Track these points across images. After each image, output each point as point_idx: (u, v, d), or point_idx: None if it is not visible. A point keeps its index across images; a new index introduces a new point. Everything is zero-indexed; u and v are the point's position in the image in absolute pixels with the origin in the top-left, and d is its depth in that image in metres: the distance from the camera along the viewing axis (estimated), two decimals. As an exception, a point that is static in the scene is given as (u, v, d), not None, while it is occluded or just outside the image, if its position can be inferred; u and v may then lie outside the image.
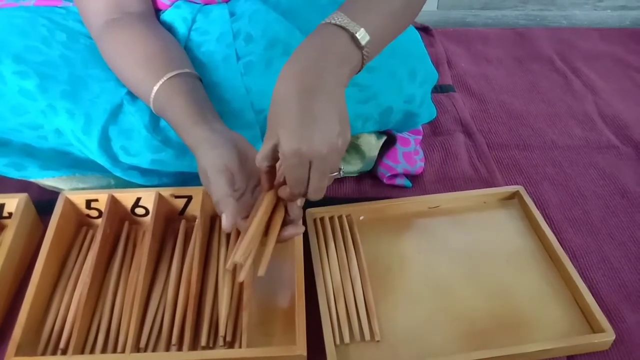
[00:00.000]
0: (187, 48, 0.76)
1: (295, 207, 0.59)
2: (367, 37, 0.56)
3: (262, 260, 0.57)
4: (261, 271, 0.57)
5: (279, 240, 0.59)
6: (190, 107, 0.64)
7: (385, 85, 0.77)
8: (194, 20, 0.78)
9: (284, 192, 0.58)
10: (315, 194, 0.55)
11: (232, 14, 0.79)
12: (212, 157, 0.59)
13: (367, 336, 0.64)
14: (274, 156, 0.55)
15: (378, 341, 0.64)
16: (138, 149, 0.73)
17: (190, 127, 0.62)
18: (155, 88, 0.65)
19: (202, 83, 0.70)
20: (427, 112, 0.87)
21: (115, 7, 0.71)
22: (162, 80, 0.65)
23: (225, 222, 0.56)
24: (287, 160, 0.52)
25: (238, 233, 0.62)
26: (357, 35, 0.55)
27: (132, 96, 0.73)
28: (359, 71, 0.58)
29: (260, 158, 0.55)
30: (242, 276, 0.56)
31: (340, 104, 0.54)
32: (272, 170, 0.58)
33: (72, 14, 0.77)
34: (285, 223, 0.60)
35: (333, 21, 0.56)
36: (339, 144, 0.53)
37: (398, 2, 0.60)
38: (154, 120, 0.73)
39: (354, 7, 0.57)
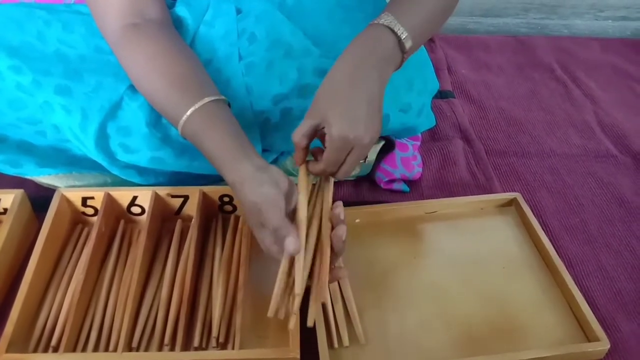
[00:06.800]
0: (193, 43, 0.76)
1: (340, 242, 0.58)
2: (410, 42, 0.62)
3: (312, 309, 0.55)
4: (310, 322, 0.54)
5: (330, 282, 0.57)
6: (230, 140, 0.61)
7: None
8: (203, 15, 0.77)
9: (315, 167, 0.62)
10: (343, 175, 0.61)
11: (238, 11, 0.78)
12: (262, 193, 0.57)
13: (360, 340, 0.64)
14: (313, 135, 0.60)
15: (371, 345, 0.64)
16: (138, 145, 0.73)
17: (231, 162, 0.60)
18: (189, 112, 0.62)
19: (231, 108, 0.67)
20: (426, 121, 0.87)
21: (134, 11, 0.67)
22: (197, 105, 0.62)
23: (294, 243, 0.54)
24: (333, 143, 0.58)
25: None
26: (403, 39, 0.62)
27: (134, 91, 0.72)
28: (395, 70, 0.64)
29: (301, 135, 0.59)
30: (292, 323, 0.55)
31: (382, 100, 0.61)
32: (307, 148, 0.61)
33: (72, 8, 0.77)
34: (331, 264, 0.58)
35: (382, 22, 0.62)
36: (376, 137, 0.60)
37: (436, 6, 0.66)
38: (155, 117, 0.73)
39: (400, 8, 0.63)
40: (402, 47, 0.62)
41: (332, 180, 0.64)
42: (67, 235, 0.74)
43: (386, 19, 0.62)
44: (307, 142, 0.60)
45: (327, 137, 0.59)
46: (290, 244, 0.55)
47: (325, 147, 0.60)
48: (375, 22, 0.63)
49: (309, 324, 0.54)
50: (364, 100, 0.59)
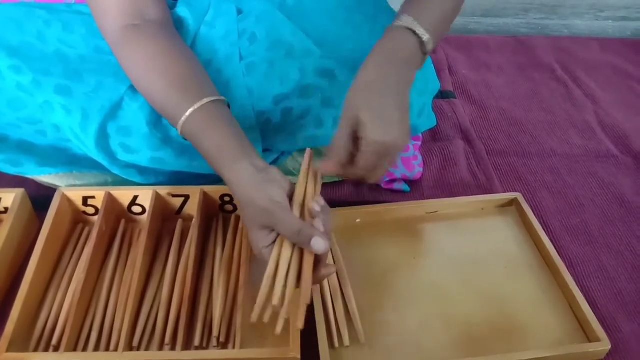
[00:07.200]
0: (194, 44, 0.76)
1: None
2: (432, 43, 0.63)
3: (299, 312, 0.52)
4: (300, 324, 0.52)
5: (314, 283, 0.56)
6: (230, 140, 0.60)
7: None
8: (204, 16, 0.77)
9: (351, 172, 0.61)
10: (375, 179, 0.61)
11: (239, 11, 0.78)
12: (269, 196, 0.56)
13: (361, 339, 0.64)
14: (350, 146, 0.59)
15: (371, 345, 0.64)
16: (138, 145, 0.73)
17: (230, 162, 0.59)
18: (188, 112, 0.61)
19: (230, 109, 0.67)
20: (427, 122, 0.87)
21: (134, 11, 0.67)
22: (197, 105, 0.61)
23: (323, 244, 0.54)
24: (370, 147, 0.58)
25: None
26: (425, 40, 0.62)
27: (134, 92, 0.72)
28: (417, 71, 0.65)
29: (340, 148, 0.59)
30: (279, 328, 0.52)
31: (409, 103, 0.62)
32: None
33: (72, 8, 0.77)
34: (315, 263, 0.56)
35: (403, 24, 0.63)
36: (408, 139, 0.61)
37: (447, 6, 0.67)
38: (156, 117, 0.73)
39: (417, 9, 0.64)
40: (424, 48, 0.63)
41: (319, 179, 0.62)
42: (68, 234, 0.74)
43: (406, 20, 0.63)
44: (345, 155, 0.59)
45: (363, 142, 0.58)
46: (319, 244, 0.53)
47: (360, 152, 0.59)
48: (396, 24, 0.63)
49: (299, 327, 0.52)
50: (396, 104, 0.59)
